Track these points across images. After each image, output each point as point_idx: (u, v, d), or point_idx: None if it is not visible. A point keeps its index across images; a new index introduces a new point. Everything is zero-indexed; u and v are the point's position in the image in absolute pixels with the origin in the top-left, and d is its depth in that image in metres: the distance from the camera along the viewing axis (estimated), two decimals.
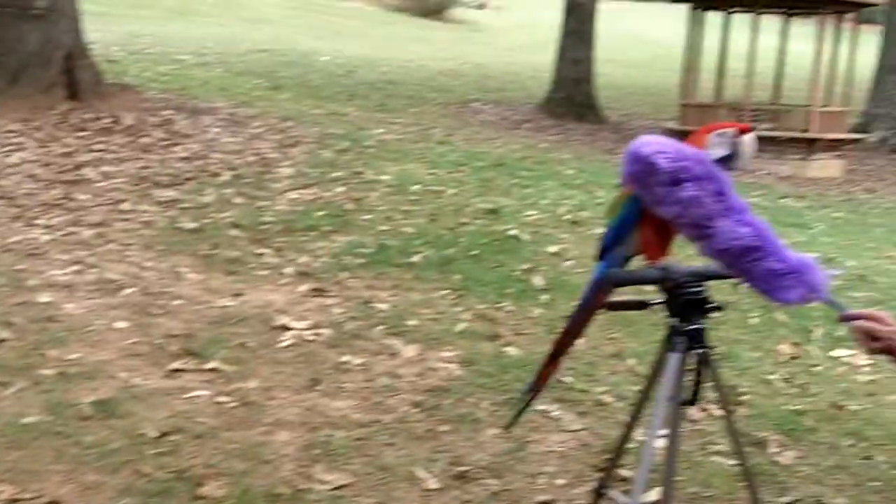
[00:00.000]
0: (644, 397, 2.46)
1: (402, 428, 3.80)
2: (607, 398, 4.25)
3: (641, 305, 2.43)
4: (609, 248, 2.39)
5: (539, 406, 4.09)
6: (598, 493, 2.70)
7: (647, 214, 2.24)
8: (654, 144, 2.13)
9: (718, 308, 2.37)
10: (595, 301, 2.48)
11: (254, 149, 8.79)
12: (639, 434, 3.01)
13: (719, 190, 2.11)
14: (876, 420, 4.29)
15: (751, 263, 2.09)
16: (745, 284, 2.15)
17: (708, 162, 2.15)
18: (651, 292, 2.47)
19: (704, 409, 4.06)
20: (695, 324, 2.32)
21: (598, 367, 4.63)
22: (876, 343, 2.00)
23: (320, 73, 16.57)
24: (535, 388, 2.73)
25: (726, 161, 2.18)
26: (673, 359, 2.32)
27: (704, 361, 2.33)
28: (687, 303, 2.30)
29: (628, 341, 4.94)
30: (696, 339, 2.33)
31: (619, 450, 2.56)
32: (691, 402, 2.34)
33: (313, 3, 29.99)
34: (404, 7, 31.63)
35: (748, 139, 2.17)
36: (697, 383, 2.32)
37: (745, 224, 2.11)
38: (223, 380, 4.12)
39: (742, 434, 3.99)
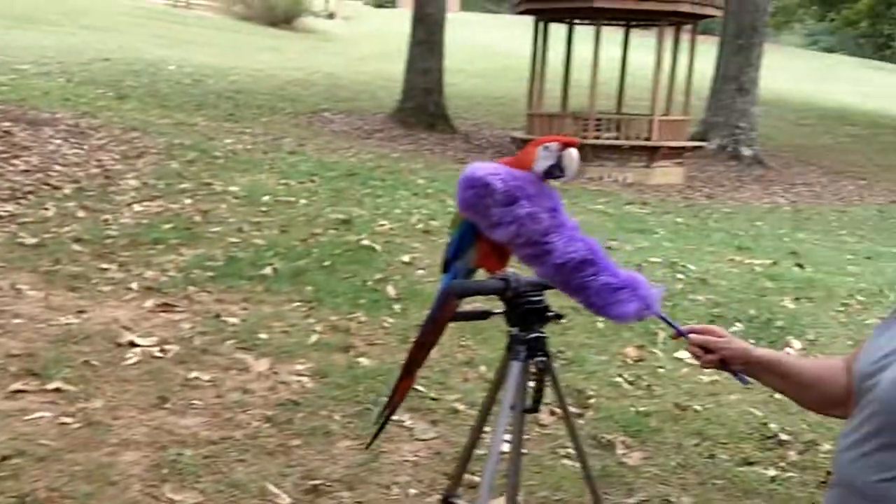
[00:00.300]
0: (489, 405, 2.48)
1: (254, 444, 3.74)
2: (460, 406, 4.28)
3: (484, 315, 2.46)
4: (451, 260, 2.42)
5: (392, 416, 4.09)
6: (445, 501, 2.71)
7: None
8: (485, 168, 2.18)
9: (558, 317, 2.42)
10: (442, 312, 2.50)
11: (97, 160, 8.54)
12: (486, 441, 3.04)
13: (553, 206, 2.17)
14: (718, 419, 4.45)
15: (587, 279, 2.13)
16: (581, 302, 2.17)
17: (538, 182, 2.21)
18: (496, 302, 2.50)
19: (554, 414, 4.13)
20: (535, 332, 2.36)
21: (451, 375, 4.66)
22: (710, 356, 2.05)
23: (167, 83, 16.22)
24: (392, 404, 2.73)
25: (552, 174, 2.23)
26: (514, 367, 2.35)
27: (545, 369, 2.37)
28: (527, 312, 2.34)
29: (479, 349, 5.00)
30: (537, 348, 2.36)
31: (465, 458, 2.57)
32: (533, 410, 2.37)
33: (160, 11, 29.36)
34: (253, 16, 31.24)
35: (572, 153, 2.22)
36: (539, 391, 2.35)
37: (578, 240, 2.17)
38: (66, 400, 3.97)
39: (590, 437, 4.11)
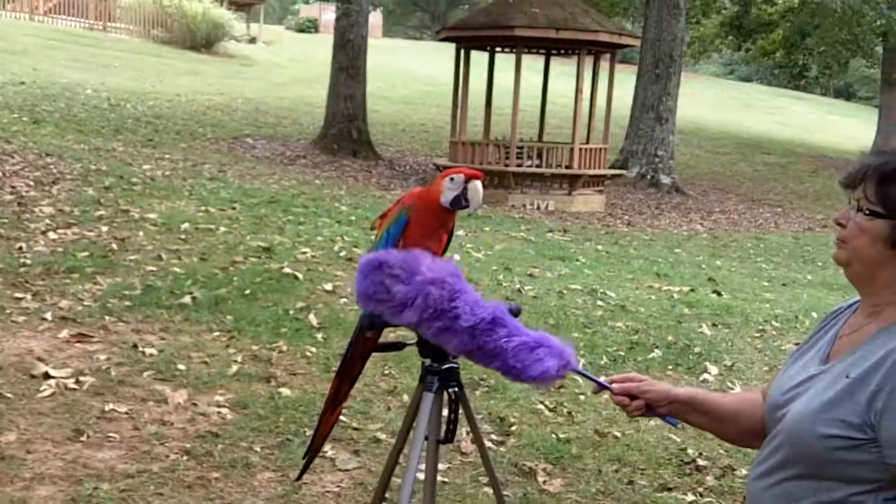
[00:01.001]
0: (404, 436, 2.47)
1: (172, 477, 3.68)
2: (382, 435, 4.27)
3: (398, 347, 2.45)
4: None
5: (319, 451, 4.05)
6: None
7: None
8: (376, 254, 2.18)
9: None
10: (359, 344, 2.48)
11: (11, 187, 8.35)
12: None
13: (453, 272, 2.16)
14: (637, 445, 4.50)
15: (501, 341, 2.10)
16: (500, 369, 2.13)
17: (444, 213, 2.28)
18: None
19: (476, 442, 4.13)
20: (447, 363, 2.36)
21: (373, 404, 4.64)
22: (637, 402, 2.06)
23: (84, 107, 15.93)
24: (319, 438, 2.71)
25: (458, 204, 2.26)
26: (427, 398, 2.34)
27: (458, 399, 2.36)
28: None
29: (402, 377, 4.99)
30: (450, 378, 2.36)
31: (381, 490, 2.56)
32: (447, 440, 2.37)
33: (77, 34, 28.89)
34: (173, 40, 30.88)
35: (476, 185, 2.25)
36: (452, 421, 2.34)
37: (483, 303, 2.16)
38: None
39: (512, 464, 4.12)
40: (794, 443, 1.80)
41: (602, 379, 2.13)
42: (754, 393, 2.16)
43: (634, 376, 2.10)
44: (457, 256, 7.49)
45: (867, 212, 1.80)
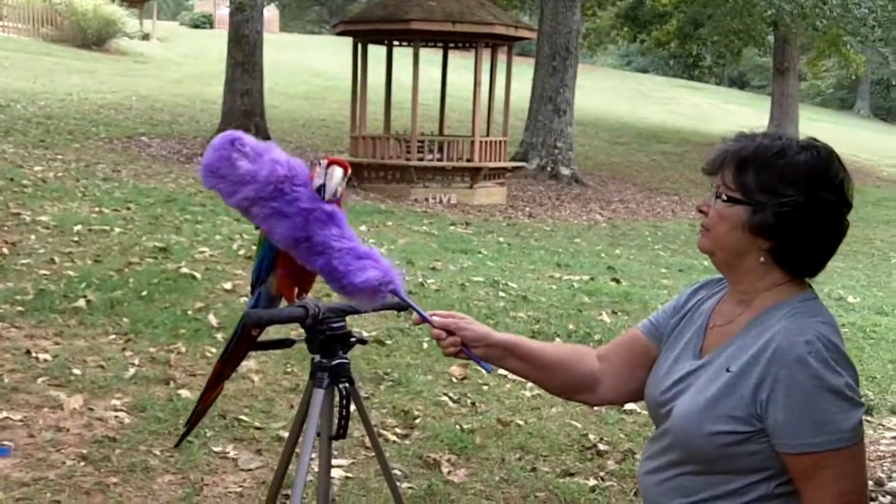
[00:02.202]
0: (297, 433, 2.45)
1: (69, 483, 3.60)
2: (284, 433, 4.22)
3: (286, 343, 2.42)
4: (256, 284, 2.38)
5: (215, 448, 4.02)
6: None
7: (280, 254, 2.22)
8: (232, 131, 2.11)
9: (362, 341, 2.40)
10: (239, 343, 2.45)
11: None
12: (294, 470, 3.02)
13: (303, 167, 2.12)
14: (540, 433, 4.55)
15: (333, 239, 2.04)
16: (322, 269, 2.07)
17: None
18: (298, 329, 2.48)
19: (380, 435, 4.13)
20: (338, 358, 2.33)
21: (275, 402, 4.60)
22: (452, 338, 2.02)
23: None
24: (197, 416, 2.68)
25: (321, 191, 2.17)
26: (318, 394, 2.32)
27: (349, 395, 2.35)
28: (329, 338, 2.30)
29: (305, 374, 4.94)
30: (340, 374, 2.33)
31: (275, 488, 2.54)
32: (338, 437, 2.35)
33: None
34: (63, 38, 30.09)
35: (333, 171, 2.18)
36: (343, 417, 2.33)
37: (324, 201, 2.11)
38: None
39: (417, 456, 4.13)
40: (685, 443, 1.81)
41: (426, 313, 2.07)
42: (581, 347, 2.18)
43: (458, 315, 2.06)
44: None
45: (725, 198, 1.80)
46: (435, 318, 2.04)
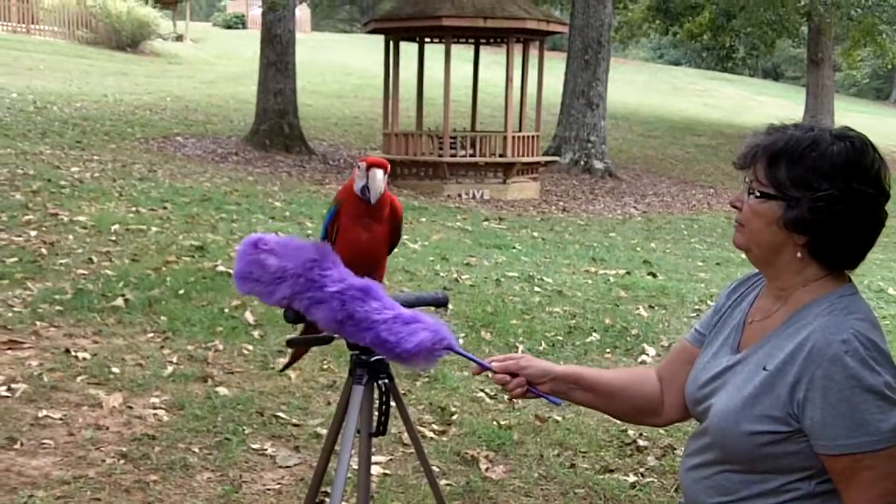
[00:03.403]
0: (336, 430, 2.44)
1: (109, 481, 3.62)
2: (322, 430, 4.23)
3: (325, 340, 2.43)
4: None
5: (253, 445, 4.03)
6: None
7: (336, 226, 2.29)
8: (253, 234, 2.18)
9: None
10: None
11: None
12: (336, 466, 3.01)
13: (326, 248, 2.16)
14: (578, 429, 4.52)
15: (375, 313, 2.05)
16: (373, 343, 2.07)
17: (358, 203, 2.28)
18: None
19: (417, 431, 4.12)
20: (376, 355, 2.31)
21: (313, 399, 4.61)
22: (517, 380, 1.98)
23: (9, 111, 15.59)
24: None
25: (364, 193, 2.25)
26: (357, 391, 2.31)
27: (389, 391, 2.34)
28: None
29: (341, 371, 4.96)
30: (379, 371, 2.33)
31: (315, 485, 2.54)
32: (379, 433, 2.34)
33: (0, 37, 28.35)
34: (98, 40, 30.38)
35: (375, 173, 2.23)
36: (383, 413, 2.32)
37: (352, 275, 2.14)
38: None
39: (454, 453, 4.12)
40: (723, 442, 1.79)
41: (484, 361, 2.04)
42: (644, 369, 2.15)
43: (513, 356, 2.02)
44: None
45: (758, 194, 1.76)
46: (494, 364, 2.01)
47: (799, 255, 1.76)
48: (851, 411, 1.63)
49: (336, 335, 2.19)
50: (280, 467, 3.89)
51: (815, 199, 1.69)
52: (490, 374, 2.02)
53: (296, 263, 2.07)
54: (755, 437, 1.72)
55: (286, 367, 3.14)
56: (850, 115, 32.07)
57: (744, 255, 1.89)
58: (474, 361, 2.04)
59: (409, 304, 2.20)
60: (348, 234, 2.30)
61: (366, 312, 2.04)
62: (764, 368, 1.74)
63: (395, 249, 2.56)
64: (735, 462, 1.78)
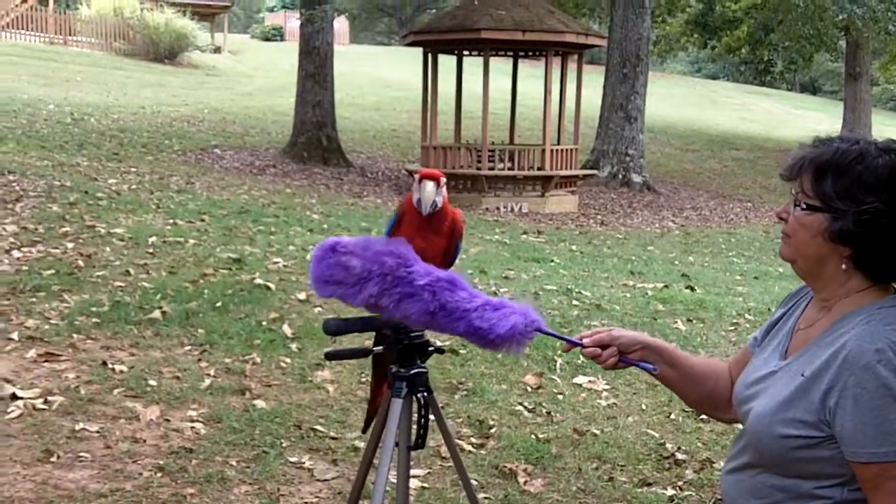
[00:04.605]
0: (375, 443, 2.42)
1: (146, 494, 3.60)
2: (360, 443, 4.19)
3: (364, 353, 2.40)
4: None
5: (291, 458, 4.00)
6: None
7: (399, 225, 2.33)
8: (328, 238, 2.19)
9: (440, 350, 2.39)
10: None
11: None
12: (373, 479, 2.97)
13: (404, 244, 2.15)
14: (616, 442, 4.46)
15: (464, 302, 2.06)
16: (466, 333, 2.07)
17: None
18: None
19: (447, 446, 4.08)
20: (416, 367, 2.31)
21: (350, 413, 4.57)
22: (609, 351, 2.00)
23: (47, 123, 15.75)
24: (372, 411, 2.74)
25: (419, 205, 2.29)
26: (396, 404, 2.30)
27: (428, 404, 2.32)
28: (406, 347, 2.29)
29: None
30: (418, 383, 2.32)
31: (354, 498, 2.51)
32: (418, 446, 2.32)
33: (37, 49, 28.64)
34: (135, 52, 30.68)
35: (425, 185, 2.27)
36: (422, 426, 2.30)
37: (435, 268, 2.14)
38: None
39: (493, 466, 4.08)
40: (757, 445, 1.81)
41: (574, 338, 2.06)
42: (721, 363, 2.16)
43: (602, 329, 2.05)
44: None
45: (804, 206, 1.78)
46: (584, 339, 2.02)
47: (843, 266, 1.78)
48: (881, 420, 1.64)
49: (424, 327, 2.20)
50: (318, 480, 3.86)
51: (860, 211, 1.71)
52: (581, 350, 2.03)
53: (379, 262, 2.07)
54: (787, 441, 1.73)
55: (367, 425, 2.96)
56: (888, 129, 31.74)
57: (782, 269, 1.88)
58: (564, 340, 2.06)
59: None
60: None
61: (456, 302, 2.05)
62: (802, 375, 1.76)
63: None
64: (768, 465, 1.80)
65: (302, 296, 6.37)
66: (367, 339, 3.88)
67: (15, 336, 5.21)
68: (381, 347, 2.34)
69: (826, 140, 1.81)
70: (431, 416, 2.35)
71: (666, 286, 8.13)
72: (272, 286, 6.51)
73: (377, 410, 2.69)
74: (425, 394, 2.32)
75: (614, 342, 2.00)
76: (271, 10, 52.49)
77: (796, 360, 1.81)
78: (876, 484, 1.67)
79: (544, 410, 4.82)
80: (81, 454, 3.90)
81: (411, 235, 2.32)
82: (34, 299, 5.89)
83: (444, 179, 2.32)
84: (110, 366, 4.87)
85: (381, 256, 2.08)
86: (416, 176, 2.28)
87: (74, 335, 5.31)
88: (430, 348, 2.34)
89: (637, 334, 2.04)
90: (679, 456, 4.35)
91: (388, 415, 2.31)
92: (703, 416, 4.75)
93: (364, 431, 3.22)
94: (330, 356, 2.45)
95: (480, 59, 14.67)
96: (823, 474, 1.73)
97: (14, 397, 4.36)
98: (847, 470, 1.70)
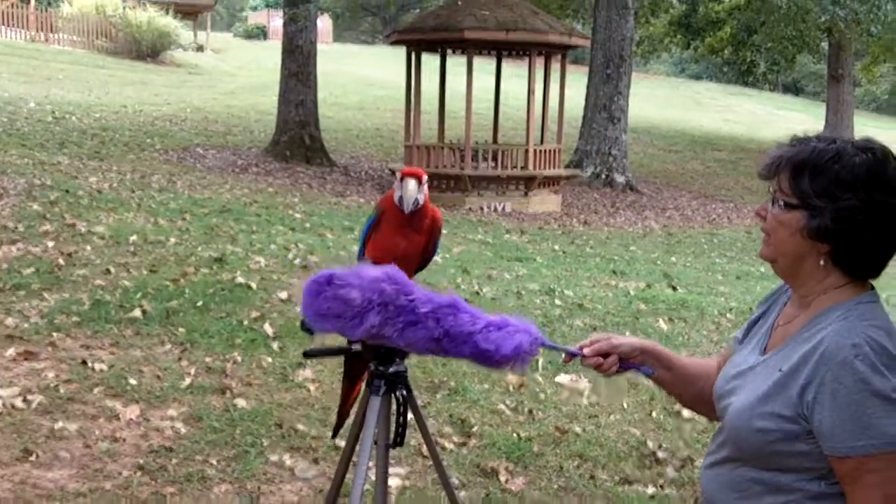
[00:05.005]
0: (353, 441, 2.41)
1: (125, 494, 3.59)
2: (341, 442, 4.17)
3: (341, 352, 2.39)
4: (359, 258, 2.43)
5: (272, 457, 3.99)
6: None
7: (374, 229, 2.35)
8: (320, 272, 2.12)
9: None
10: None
11: None
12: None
13: (396, 270, 2.12)
14: (598, 440, 4.48)
15: (467, 326, 2.04)
16: (472, 355, 2.06)
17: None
18: None
19: (437, 443, 4.07)
20: (395, 366, 2.30)
21: (331, 411, 4.54)
22: (610, 359, 2.02)
23: (28, 121, 15.64)
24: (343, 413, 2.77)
25: (401, 203, 2.30)
26: (374, 402, 2.29)
27: (406, 403, 2.31)
28: (386, 347, 2.26)
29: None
30: (397, 382, 2.31)
31: (332, 497, 2.50)
32: (396, 445, 2.31)
33: (17, 46, 28.43)
34: (117, 50, 30.46)
35: (407, 183, 2.28)
36: (400, 425, 2.30)
37: (434, 293, 2.12)
38: None
39: (474, 465, 4.08)
40: (736, 439, 1.83)
41: (572, 348, 2.07)
42: (712, 360, 2.18)
43: (599, 336, 2.07)
44: None
45: (782, 204, 1.80)
46: (584, 350, 2.04)
47: (822, 262, 1.80)
48: (858, 414, 1.66)
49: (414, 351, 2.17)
50: (298, 479, 3.86)
51: (837, 209, 1.73)
52: (581, 360, 2.04)
53: (378, 290, 2.05)
54: (765, 435, 1.75)
55: (337, 430, 3.00)
56: (870, 130, 31.85)
57: (763, 269, 1.89)
58: (565, 351, 2.07)
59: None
60: (386, 241, 2.37)
61: (460, 326, 2.04)
62: (780, 370, 1.78)
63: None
64: (747, 459, 1.81)
65: (283, 295, 6.36)
66: None
67: None
68: (358, 345, 2.32)
69: (803, 139, 1.83)
70: (410, 415, 2.34)
71: (648, 286, 8.14)
72: (253, 285, 6.49)
73: (348, 414, 2.69)
74: (404, 392, 2.32)
75: (614, 350, 2.03)
76: (254, 8, 52.27)
77: (775, 355, 1.83)
78: (854, 478, 1.68)
79: (526, 409, 4.83)
80: (61, 453, 3.88)
81: (392, 233, 2.33)
82: (14, 298, 5.86)
83: (425, 177, 2.32)
84: (90, 365, 4.85)
85: (379, 283, 2.05)
86: (399, 174, 2.28)
87: (54, 334, 5.28)
88: None
89: (635, 340, 2.07)
90: (660, 454, 4.38)
91: (367, 412, 2.30)
92: (685, 415, 4.77)
93: (334, 437, 3.22)
94: (308, 354, 2.44)
95: (464, 58, 14.66)
96: (802, 468, 1.75)
97: None
98: (825, 464, 1.72)
